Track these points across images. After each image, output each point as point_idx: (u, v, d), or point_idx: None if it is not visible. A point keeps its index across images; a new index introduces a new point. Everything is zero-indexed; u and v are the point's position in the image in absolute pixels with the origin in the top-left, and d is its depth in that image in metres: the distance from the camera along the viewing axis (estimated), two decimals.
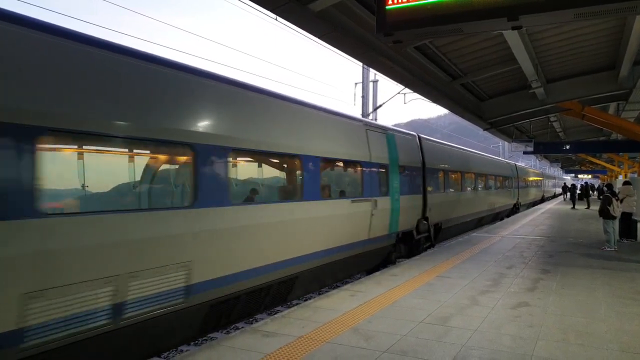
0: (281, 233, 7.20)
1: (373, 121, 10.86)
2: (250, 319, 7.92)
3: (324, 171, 8.71)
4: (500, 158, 29.86)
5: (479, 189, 20.25)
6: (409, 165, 12.21)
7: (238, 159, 6.98)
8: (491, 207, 22.29)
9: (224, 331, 7.42)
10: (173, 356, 6.60)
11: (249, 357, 4.56)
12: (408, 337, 5.10)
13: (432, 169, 13.99)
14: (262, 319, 7.63)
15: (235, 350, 4.75)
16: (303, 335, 5.14)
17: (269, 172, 8.05)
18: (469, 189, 18.50)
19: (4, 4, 4.44)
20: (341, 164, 9.57)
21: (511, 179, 28.05)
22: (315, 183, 8.04)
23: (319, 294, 9.38)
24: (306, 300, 9.11)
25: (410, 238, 12.37)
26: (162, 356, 6.56)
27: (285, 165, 8.02)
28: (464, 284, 7.65)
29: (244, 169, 7.47)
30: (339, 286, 9.56)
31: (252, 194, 7.23)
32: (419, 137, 13.80)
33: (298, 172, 7.87)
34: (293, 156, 7.67)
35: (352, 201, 9.25)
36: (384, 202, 10.49)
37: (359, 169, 9.69)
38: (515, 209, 28.85)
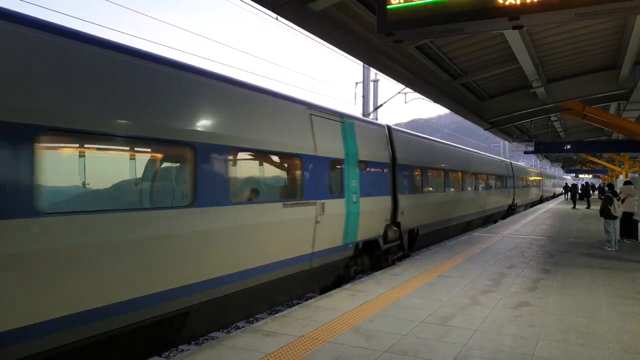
0: (144, 255, 4.97)
1: (324, 105, 8.70)
2: (251, 319, 7.93)
3: (239, 166, 6.68)
4: (493, 155, 27.22)
5: (467, 189, 18.13)
6: (373, 160, 10.29)
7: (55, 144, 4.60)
8: (481, 209, 20.15)
9: (225, 331, 7.42)
10: (174, 355, 6.60)
11: (250, 356, 4.56)
12: (409, 336, 5.10)
13: (405, 166, 11.97)
14: (263, 318, 7.64)
15: (236, 349, 4.75)
16: (304, 335, 5.14)
17: (128, 168, 5.45)
18: (453, 189, 16.46)
19: (4, 3, 4.44)
20: (270, 157, 7.38)
21: (506, 178, 26.07)
22: (220, 182, 5.96)
23: (320, 294, 9.38)
24: (307, 300, 9.11)
25: (376, 248, 10.42)
26: (163, 355, 6.56)
27: (166, 157, 5.89)
28: (465, 284, 7.65)
29: (76, 161, 4.92)
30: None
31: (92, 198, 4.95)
32: (389, 128, 11.73)
33: (188, 168, 5.69)
34: (178, 144, 5.52)
35: (285, 205, 7.18)
36: (335, 206, 8.50)
37: (296, 164, 7.64)
38: (510, 211, 27.12)
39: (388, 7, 4.50)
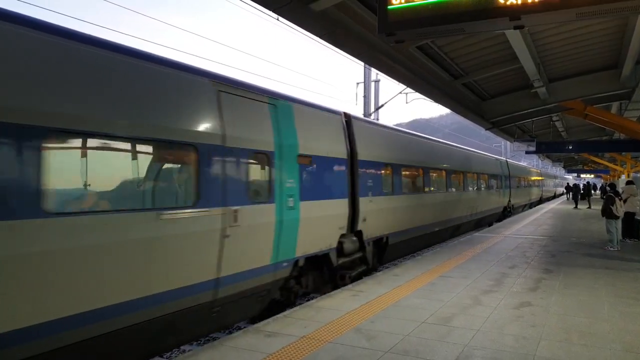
0: None
1: (241, 80, 6.77)
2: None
3: (72, 159, 4.82)
4: (486, 153, 24.92)
5: (452, 189, 16.18)
6: (323, 155, 8.28)
7: None
8: (471, 212, 18.34)
9: (227, 331, 7.43)
10: (175, 356, 6.61)
11: (252, 357, 4.56)
12: (410, 337, 5.10)
13: (369, 163, 9.99)
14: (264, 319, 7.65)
15: (238, 350, 4.75)
16: (305, 335, 5.14)
17: None
18: (436, 189, 14.51)
19: (3, 4, 4.45)
20: (145, 147, 5.44)
21: (501, 177, 24.04)
22: (23, 182, 4.02)
23: (321, 294, 9.38)
24: (308, 300, 9.11)
25: (327, 264, 8.59)
26: (165, 356, 6.58)
27: None
28: (467, 284, 7.64)
29: None
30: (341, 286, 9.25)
31: None
32: (348, 117, 9.56)
33: None
34: None
35: (163, 215, 5.16)
36: (258, 214, 6.55)
37: (188, 156, 5.74)
38: (506, 213, 25.21)
39: (389, 7, 4.50)
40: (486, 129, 16.87)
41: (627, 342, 4.91)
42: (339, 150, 8.96)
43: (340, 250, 8.81)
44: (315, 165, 8.04)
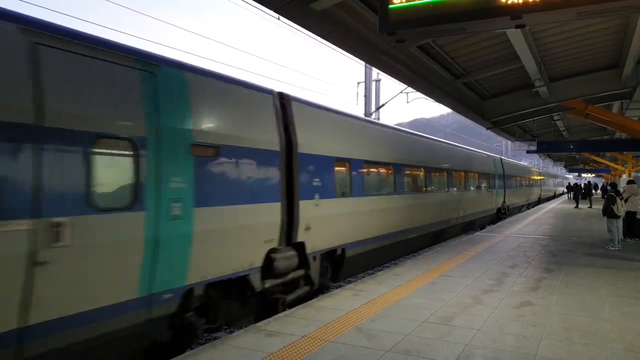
0: None
1: (87, 33, 4.80)
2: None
3: None
4: (477, 150, 22.43)
5: (432, 189, 14.06)
6: (237, 146, 6.37)
7: None
8: (457, 215, 16.45)
9: (228, 330, 7.43)
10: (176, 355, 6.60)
11: (253, 356, 4.57)
12: (411, 336, 5.10)
13: (314, 157, 8.02)
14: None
15: (239, 349, 4.76)
16: (306, 335, 5.15)
17: None
18: (409, 190, 12.56)
19: (5, 4, 4.46)
20: None
21: (494, 176, 21.98)
22: None
23: (322, 294, 9.39)
24: (309, 299, 9.11)
25: (248, 290, 6.65)
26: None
27: None
28: (467, 283, 7.64)
29: None
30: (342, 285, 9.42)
31: None
32: (284, 98, 7.63)
33: None
34: None
35: None
36: (107, 228, 4.70)
37: None
38: (500, 214, 23.27)
39: (390, 6, 4.50)
40: (487, 129, 16.86)
41: (628, 342, 4.91)
42: (266, 139, 6.93)
43: (269, 269, 6.88)
44: (223, 159, 6.12)
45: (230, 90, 6.53)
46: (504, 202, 24.11)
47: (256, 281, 6.68)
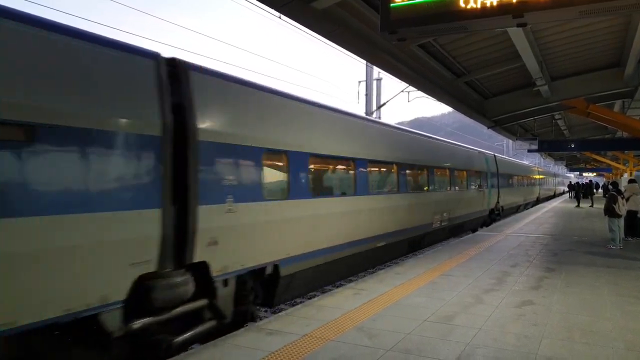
0: None
1: None
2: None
3: None
4: (466, 145, 19.93)
5: (407, 189, 11.98)
6: (68, 125, 4.29)
7: None
8: (441, 218, 14.45)
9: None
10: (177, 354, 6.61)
11: (253, 355, 4.57)
12: (412, 335, 5.10)
13: (227, 147, 6.14)
14: (266, 317, 7.65)
15: (240, 348, 4.76)
16: (307, 334, 5.15)
17: None
18: (377, 190, 10.69)
19: (8, 2, 4.45)
20: None
21: (486, 175, 20.05)
22: None
23: (323, 293, 9.39)
24: (310, 298, 9.12)
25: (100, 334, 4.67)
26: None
27: None
28: (468, 283, 7.63)
29: None
30: (343, 284, 9.42)
31: None
32: (178, 66, 5.67)
33: None
34: None
35: None
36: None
37: None
38: (493, 215, 21.42)
39: (391, 5, 4.49)
40: (488, 128, 16.86)
41: (629, 341, 4.90)
42: (130, 119, 4.89)
43: (143, 302, 5.01)
44: (41, 145, 4.10)
45: (64, 43, 4.43)
46: (498, 202, 22.11)
47: (112, 322, 4.67)
